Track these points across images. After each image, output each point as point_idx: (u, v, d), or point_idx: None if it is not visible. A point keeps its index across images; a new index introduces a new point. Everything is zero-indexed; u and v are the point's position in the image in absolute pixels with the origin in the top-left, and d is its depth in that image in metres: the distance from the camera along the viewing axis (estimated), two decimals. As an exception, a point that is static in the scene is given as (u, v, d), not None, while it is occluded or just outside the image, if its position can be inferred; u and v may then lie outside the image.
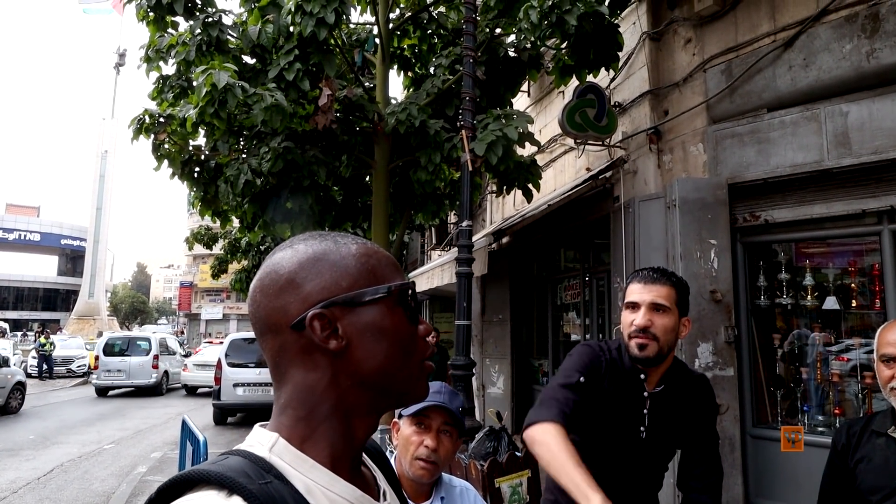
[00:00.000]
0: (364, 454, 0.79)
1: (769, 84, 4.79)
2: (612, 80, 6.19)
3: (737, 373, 4.82)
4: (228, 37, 4.59)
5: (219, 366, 11.64)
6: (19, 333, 36.58)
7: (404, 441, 1.53)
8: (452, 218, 10.70)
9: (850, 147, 4.36)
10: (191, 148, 5.35)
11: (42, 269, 54.12)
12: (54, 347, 21.42)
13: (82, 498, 6.49)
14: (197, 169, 5.40)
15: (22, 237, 52.39)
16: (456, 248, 10.19)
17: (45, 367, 20.83)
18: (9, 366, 13.13)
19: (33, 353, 21.73)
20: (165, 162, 5.18)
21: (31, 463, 8.04)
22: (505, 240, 7.99)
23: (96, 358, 20.41)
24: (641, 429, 1.72)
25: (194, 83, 3.96)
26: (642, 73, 5.76)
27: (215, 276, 12.57)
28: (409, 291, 0.75)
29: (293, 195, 5.26)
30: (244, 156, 5.04)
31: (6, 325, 33.05)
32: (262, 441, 0.67)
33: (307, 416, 0.69)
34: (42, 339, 21.49)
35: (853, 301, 4.72)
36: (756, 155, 4.84)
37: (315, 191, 5.42)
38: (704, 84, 5.17)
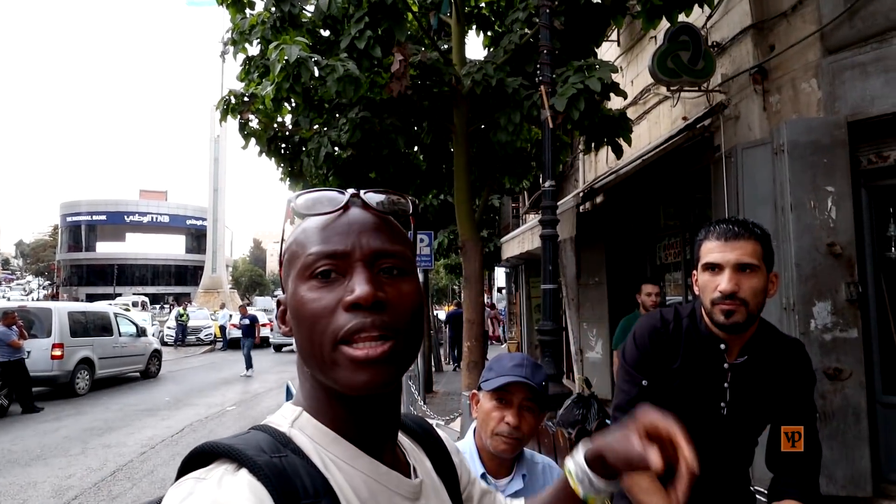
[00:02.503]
0: (402, 430, 0.77)
1: (899, 2, 4.13)
2: (709, 17, 5.63)
3: (861, 334, 4.32)
4: (301, 10, 4.64)
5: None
6: (157, 306, 40.65)
7: (484, 415, 1.48)
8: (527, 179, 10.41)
9: None
10: (275, 125, 5.53)
11: (172, 248, 59.51)
12: (188, 318, 23.68)
13: (209, 454, 7.14)
14: (282, 145, 5.58)
15: (154, 220, 58.02)
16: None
17: (180, 335, 23.10)
18: (147, 335, 14.62)
19: (170, 322, 24.13)
20: (252, 140, 5.40)
21: (165, 422, 8.95)
22: (598, 199, 7.65)
23: (222, 329, 22.43)
24: (722, 404, 1.55)
25: (270, 59, 4.05)
26: (743, 6, 5.18)
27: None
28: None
29: (375, 165, 5.30)
30: (325, 129, 5.12)
31: (146, 299, 36.89)
32: (286, 415, 0.67)
33: (311, 392, 0.68)
34: (180, 310, 23.89)
35: None
36: (883, 86, 4.22)
37: (396, 159, 5.43)
38: (818, 10, 4.55)
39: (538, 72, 4.48)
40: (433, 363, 11.67)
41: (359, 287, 0.60)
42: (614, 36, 8.35)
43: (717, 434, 1.57)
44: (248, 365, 14.70)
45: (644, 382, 1.57)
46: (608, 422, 3.81)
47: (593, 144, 5.72)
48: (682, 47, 5.23)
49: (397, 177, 5.83)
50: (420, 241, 9.58)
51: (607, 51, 8.62)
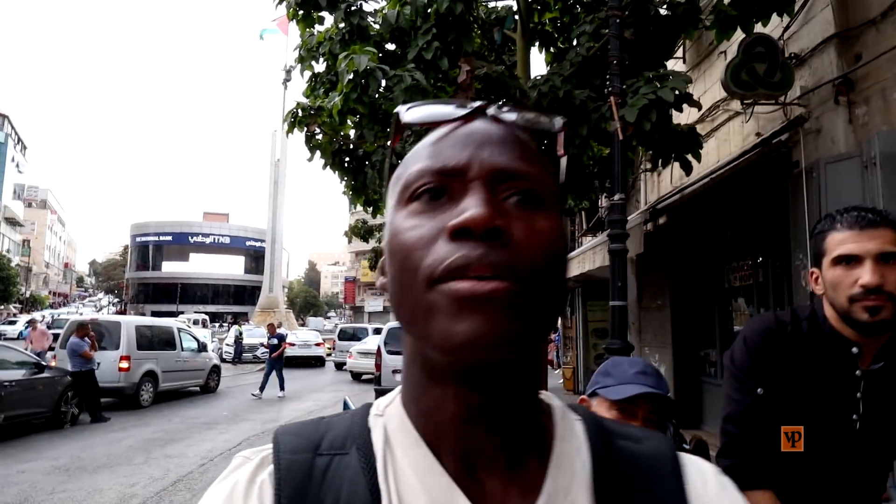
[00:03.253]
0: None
1: None
2: (786, 28, 5.40)
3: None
4: (369, 23, 4.72)
5: (378, 353, 12.26)
6: (216, 324, 41.99)
7: None
8: (603, 201, 10.19)
9: None
10: (340, 138, 5.61)
11: (232, 268, 61.68)
12: (243, 334, 24.33)
13: (264, 468, 7.19)
14: (346, 158, 5.65)
15: (216, 241, 60.48)
16: (606, 231, 9.71)
17: (239, 352, 23.73)
18: (207, 351, 15.03)
19: (228, 340, 24.82)
20: (318, 153, 5.49)
21: (224, 436, 9.09)
22: (662, 220, 7.40)
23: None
24: (854, 417, 1.36)
25: (338, 70, 4.11)
26: (825, 15, 4.94)
27: (372, 268, 13.25)
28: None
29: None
30: (389, 142, 5.14)
31: (206, 317, 38.14)
32: (389, 396, 0.54)
33: (405, 369, 0.52)
34: (238, 328, 24.58)
35: None
36: None
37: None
38: (911, 15, 4.29)
39: (607, 83, 4.39)
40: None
41: (470, 208, 0.43)
42: (679, 53, 8.16)
43: (849, 451, 1.38)
44: (265, 383, 14.00)
45: (759, 391, 1.39)
46: (686, 446, 3.58)
47: (661, 161, 5.53)
48: (758, 59, 5.03)
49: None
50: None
51: (672, 68, 8.43)
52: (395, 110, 0.52)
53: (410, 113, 0.51)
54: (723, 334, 8.01)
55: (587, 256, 8.14)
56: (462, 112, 0.49)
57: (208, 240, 60.55)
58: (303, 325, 46.12)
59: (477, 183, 0.45)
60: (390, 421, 0.51)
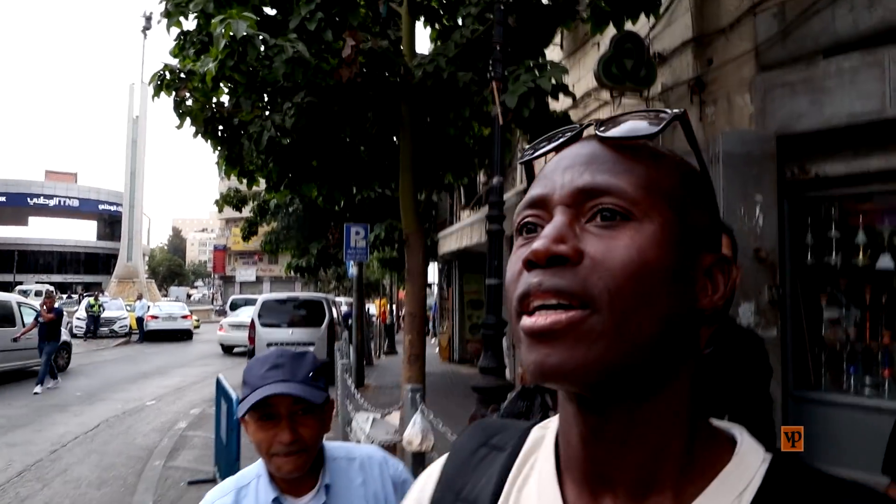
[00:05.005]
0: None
1: (827, 27, 4.43)
2: (652, 27, 5.83)
3: (780, 333, 4.64)
4: (248, -15, 4.43)
5: (252, 326, 11.85)
6: (64, 296, 37.98)
7: (254, 440, 1.24)
8: (482, 177, 10.51)
9: (915, 93, 4.02)
10: (213, 105, 5.24)
11: (82, 234, 55.74)
12: (103, 309, 22.17)
13: (126, 451, 6.73)
14: (220, 127, 5.30)
15: (62, 203, 53.97)
16: (485, 208, 10.03)
17: (91, 327, 21.62)
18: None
19: (79, 313, 22.54)
20: (188, 120, 5.09)
21: (78, 418, 8.35)
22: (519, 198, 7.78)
23: (138, 320, 21.20)
24: None
25: (213, 33, 3.81)
26: (685, 20, 5.40)
27: (245, 238, 12.69)
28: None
29: (318, 154, 5.13)
30: (267, 112, 4.92)
31: (52, 288, 34.26)
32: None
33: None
34: (91, 301, 22.30)
35: (910, 260, 4.44)
36: (809, 105, 4.51)
37: (340, 149, 5.29)
38: (754, 29, 4.82)
39: (490, 68, 4.50)
40: (364, 356, 11.53)
41: (541, 237, 0.45)
42: (557, 39, 8.52)
43: None
44: (45, 375, 10.57)
45: None
46: (551, 414, 3.89)
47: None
48: (627, 55, 5.41)
49: (339, 167, 5.69)
50: (356, 233, 9.43)
51: (550, 54, 8.79)
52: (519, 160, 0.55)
53: (526, 155, 0.53)
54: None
55: (465, 232, 8.39)
56: (559, 141, 0.50)
57: (52, 202, 53.85)
58: (166, 295, 43.04)
59: (558, 209, 0.46)
60: (548, 433, 0.54)
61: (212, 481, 5.60)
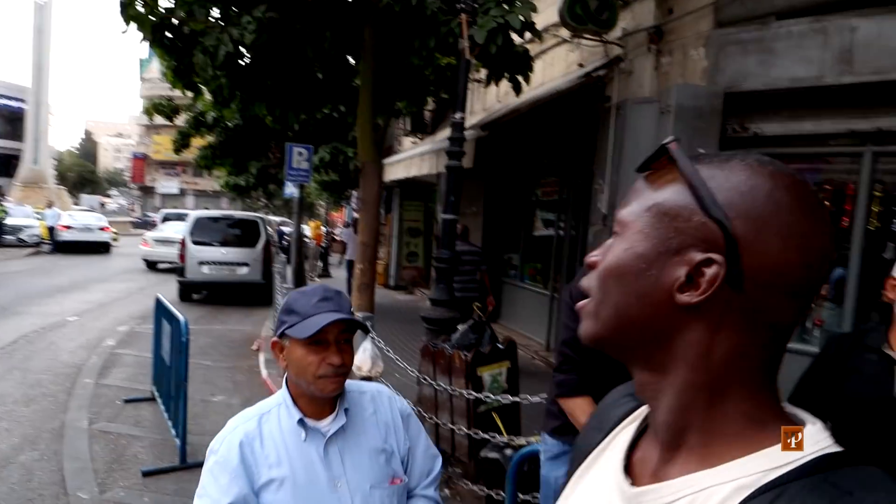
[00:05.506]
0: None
1: (783, -11, 4.60)
2: (618, -31, 5.82)
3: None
4: None
5: (183, 243, 11.48)
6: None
7: (299, 363, 1.36)
8: (430, 104, 10.35)
9: (853, 65, 4.31)
10: (163, 9, 4.81)
11: (-23, 130, 50.40)
12: (7, 215, 20.52)
13: (52, 368, 6.53)
14: (169, 35, 4.90)
15: (-48, 94, 48.22)
16: (434, 138, 9.96)
17: (-7, 234, 20.09)
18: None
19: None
20: (135, 25, 4.66)
21: (-10, 334, 7.94)
22: (484, 133, 7.83)
23: (50, 229, 19.87)
24: None
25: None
26: (651, -35, 5.42)
27: (178, 150, 11.98)
28: None
29: (274, 73, 4.88)
30: (225, 25, 4.59)
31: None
32: None
33: None
34: (-6, 206, 20.58)
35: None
36: (757, 65, 4.74)
37: (299, 69, 5.05)
38: (716, -17, 4.93)
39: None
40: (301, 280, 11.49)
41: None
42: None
43: None
44: None
45: None
46: (500, 346, 4.15)
47: (494, 78, 5.79)
48: (592, -5, 5.40)
49: (295, 88, 5.46)
50: (299, 154, 9.18)
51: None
52: None
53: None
54: (525, 241, 9.00)
55: (413, 162, 8.35)
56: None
57: (-62, 91, 48.08)
58: (77, 203, 40.29)
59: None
60: None
61: (150, 400, 5.59)
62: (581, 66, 6.43)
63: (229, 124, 10.46)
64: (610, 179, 5.71)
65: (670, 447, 0.58)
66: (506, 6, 4.48)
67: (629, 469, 0.62)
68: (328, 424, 1.41)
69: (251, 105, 5.41)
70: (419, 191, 13.50)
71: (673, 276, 0.54)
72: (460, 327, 4.29)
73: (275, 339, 1.42)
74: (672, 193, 0.56)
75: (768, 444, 0.53)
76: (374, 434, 1.46)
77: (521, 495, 2.82)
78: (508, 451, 3.42)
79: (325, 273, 16.33)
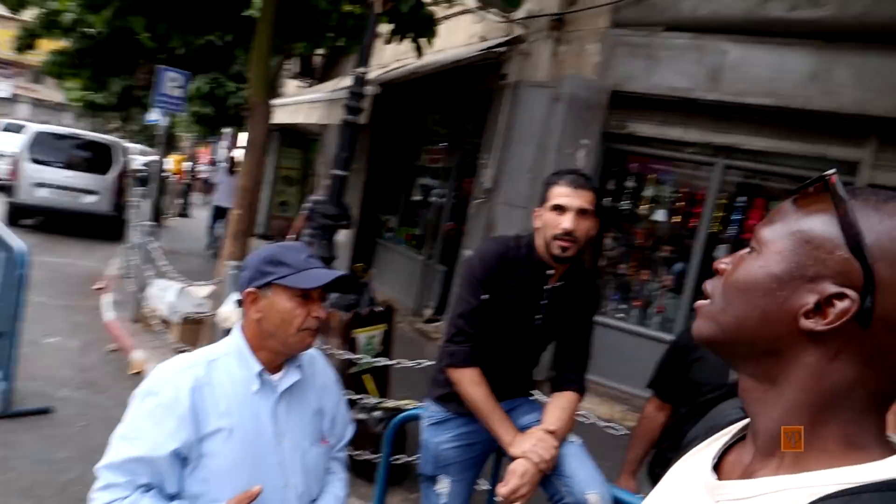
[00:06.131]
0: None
1: (674, 4, 5.00)
2: (530, -51, 5.93)
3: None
4: None
5: (16, 161, 10.03)
6: None
7: (283, 314, 1.35)
8: (321, 50, 9.87)
9: (720, 83, 4.83)
10: None
11: None
12: None
13: None
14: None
15: None
16: (322, 86, 9.56)
17: None
18: None
19: None
20: None
21: None
22: (377, 90, 7.67)
23: None
24: (537, 317, 1.94)
25: None
26: (561, -47, 5.60)
27: (20, 49, 10.22)
28: None
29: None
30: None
31: None
32: None
33: None
34: None
35: (676, 217, 5.48)
36: (642, 69, 5.14)
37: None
38: (617, -16, 5.22)
39: (376, -53, 4.22)
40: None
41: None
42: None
43: (529, 339, 2.00)
44: None
45: (485, 297, 1.88)
46: (377, 309, 4.19)
47: (399, 37, 5.69)
48: (503, -29, 5.46)
49: (182, 4, 4.95)
50: (171, 80, 8.38)
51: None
52: None
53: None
54: (406, 205, 9.04)
55: (301, 109, 7.99)
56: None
57: None
58: None
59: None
60: None
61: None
62: (483, 39, 6.51)
63: (91, 31, 9.15)
64: (497, 156, 5.91)
65: (765, 454, 0.62)
66: (422, -35, 4.38)
67: (720, 467, 0.67)
68: (279, 379, 1.42)
69: (126, 16, 4.80)
70: (300, 139, 12.95)
71: (802, 301, 0.57)
72: (340, 285, 4.26)
73: (250, 289, 1.39)
74: (820, 223, 0.58)
75: (859, 463, 0.56)
76: (313, 394, 1.50)
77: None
78: (377, 413, 3.51)
79: (184, 213, 14.94)
